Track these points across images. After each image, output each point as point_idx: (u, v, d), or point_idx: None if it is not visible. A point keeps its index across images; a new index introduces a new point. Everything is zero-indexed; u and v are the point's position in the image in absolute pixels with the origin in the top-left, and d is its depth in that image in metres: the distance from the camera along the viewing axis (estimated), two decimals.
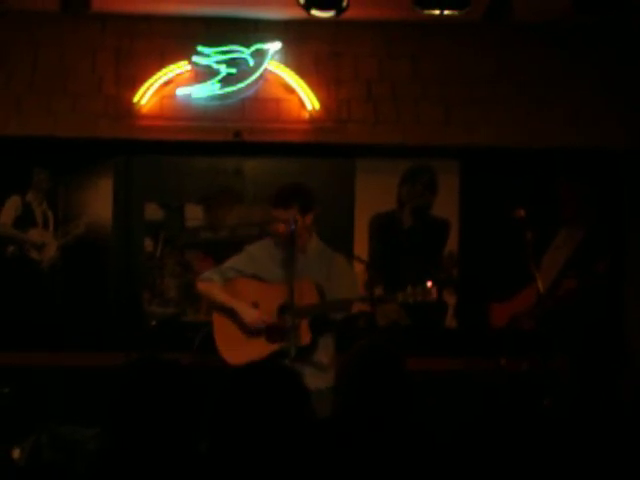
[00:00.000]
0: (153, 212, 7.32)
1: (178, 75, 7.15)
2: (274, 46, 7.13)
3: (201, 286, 5.66)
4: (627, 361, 7.26)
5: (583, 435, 4.25)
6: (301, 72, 7.19)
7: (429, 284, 5.17)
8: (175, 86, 7.15)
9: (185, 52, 7.13)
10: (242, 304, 5.43)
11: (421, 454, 3.29)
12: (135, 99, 7.10)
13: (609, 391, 6.77)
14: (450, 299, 7.38)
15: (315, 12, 6.38)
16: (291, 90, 7.19)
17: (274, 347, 5.33)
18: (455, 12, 6.15)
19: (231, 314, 5.46)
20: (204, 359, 5.74)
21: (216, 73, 7.11)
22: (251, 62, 7.12)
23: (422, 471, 3.25)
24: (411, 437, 3.33)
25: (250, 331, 5.42)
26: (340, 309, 5.33)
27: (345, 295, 5.35)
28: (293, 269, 5.19)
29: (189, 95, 7.14)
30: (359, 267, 6.32)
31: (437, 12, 6.14)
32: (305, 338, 5.28)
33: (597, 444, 4.02)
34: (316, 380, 5.08)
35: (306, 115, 7.19)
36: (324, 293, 5.36)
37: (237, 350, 5.38)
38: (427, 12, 6.21)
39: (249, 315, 5.40)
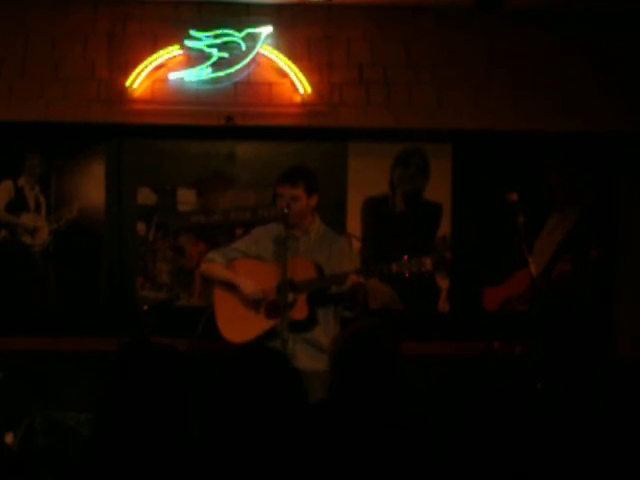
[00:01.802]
0: (146, 196, 7.31)
1: (170, 59, 7.13)
2: (266, 30, 7.11)
3: (204, 266, 5.76)
4: (617, 344, 7.28)
5: (575, 419, 4.26)
6: (293, 56, 7.17)
7: (424, 257, 5.19)
8: (167, 70, 7.13)
9: (177, 36, 7.11)
10: (241, 277, 5.49)
11: (413, 437, 3.30)
12: (127, 83, 7.08)
13: (599, 374, 6.79)
14: (443, 283, 7.40)
15: None
16: (283, 74, 7.18)
17: (272, 323, 5.35)
18: None
19: (231, 288, 5.51)
20: (205, 344, 5.76)
21: (208, 57, 7.10)
22: (243, 46, 7.11)
23: (414, 454, 3.26)
24: (403, 420, 3.33)
25: (250, 304, 5.45)
26: (336, 282, 5.35)
27: (342, 270, 5.37)
28: (286, 247, 5.21)
29: (181, 79, 7.12)
30: (354, 245, 6.33)
31: None
32: (302, 312, 5.32)
33: (588, 428, 4.04)
34: (313, 361, 5.10)
35: (298, 99, 7.18)
36: (322, 270, 5.39)
37: (237, 327, 5.42)
38: None
39: (248, 286, 5.46)
